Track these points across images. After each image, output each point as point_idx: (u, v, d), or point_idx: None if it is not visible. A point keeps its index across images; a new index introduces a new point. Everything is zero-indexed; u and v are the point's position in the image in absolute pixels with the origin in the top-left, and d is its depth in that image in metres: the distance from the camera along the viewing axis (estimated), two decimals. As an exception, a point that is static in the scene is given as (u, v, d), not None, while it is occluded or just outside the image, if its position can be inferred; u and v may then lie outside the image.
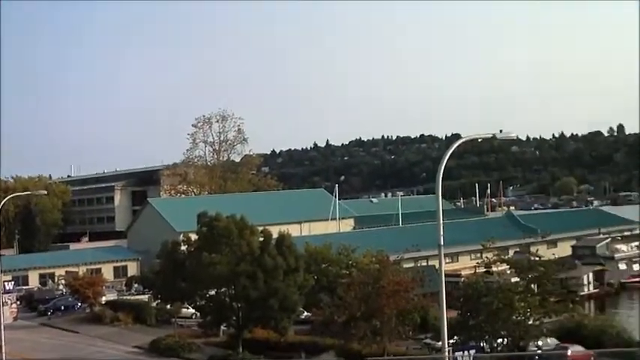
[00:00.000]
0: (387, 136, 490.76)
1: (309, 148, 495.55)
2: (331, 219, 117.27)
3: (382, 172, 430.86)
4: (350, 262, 65.55)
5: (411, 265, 69.43)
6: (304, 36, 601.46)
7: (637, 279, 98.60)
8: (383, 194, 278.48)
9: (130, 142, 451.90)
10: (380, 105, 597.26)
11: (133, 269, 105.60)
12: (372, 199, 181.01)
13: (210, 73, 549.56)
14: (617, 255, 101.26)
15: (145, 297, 77.94)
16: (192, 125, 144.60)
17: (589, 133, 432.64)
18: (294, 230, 78.92)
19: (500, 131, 25.21)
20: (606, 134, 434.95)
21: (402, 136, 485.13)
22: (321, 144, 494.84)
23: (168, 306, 66.54)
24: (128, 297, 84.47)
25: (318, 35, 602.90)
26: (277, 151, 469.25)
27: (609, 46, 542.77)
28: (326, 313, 50.45)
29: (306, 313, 62.60)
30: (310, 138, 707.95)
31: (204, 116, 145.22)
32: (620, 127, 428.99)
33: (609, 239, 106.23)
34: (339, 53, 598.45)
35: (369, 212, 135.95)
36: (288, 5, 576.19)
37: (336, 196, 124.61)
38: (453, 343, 43.68)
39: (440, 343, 28.25)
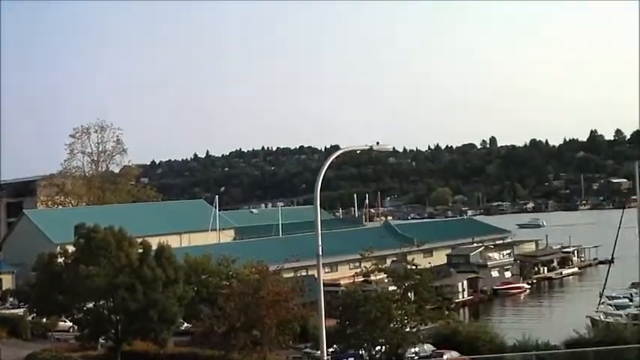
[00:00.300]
0: (267, 147, 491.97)
1: (189, 159, 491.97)
2: (211, 230, 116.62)
3: (262, 183, 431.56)
4: (230, 273, 65.39)
5: (291, 275, 69.72)
6: (183, 47, 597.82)
7: (509, 286, 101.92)
8: (263, 205, 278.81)
9: (4, 153, 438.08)
10: (260, 116, 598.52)
11: (7, 282, 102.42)
12: (253, 210, 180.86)
13: (89, 83, 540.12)
14: (489, 263, 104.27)
15: (20, 311, 75.81)
16: (70, 135, 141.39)
17: (463, 145, 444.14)
18: (173, 241, 78.20)
19: (378, 143, 25.81)
20: (479, 147, 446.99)
21: (282, 147, 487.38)
22: (202, 155, 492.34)
23: (45, 319, 64.98)
24: (3, 311, 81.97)
25: (196, 46, 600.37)
26: (157, 162, 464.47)
27: (482, 58, 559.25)
28: (206, 324, 50.25)
29: (185, 325, 62.18)
30: (190, 149, 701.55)
31: (82, 126, 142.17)
32: (493, 139, 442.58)
33: (482, 248, 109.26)
34: (220, 64, 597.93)
35: (249, 223, 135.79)
36: (158, 13, 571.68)
37: (216, 207, 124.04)
38: (332, 351, 44.34)
39: (319, 351, 28.69)
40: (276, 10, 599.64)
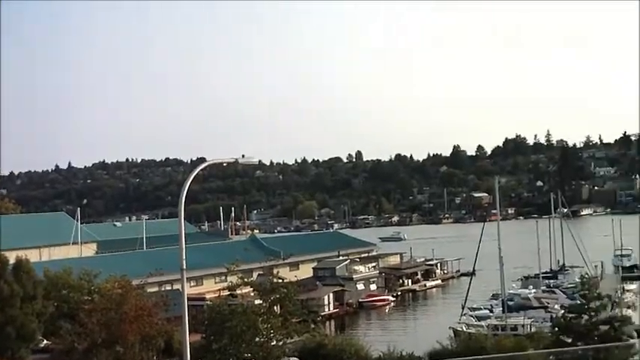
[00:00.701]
0: (132, 159, 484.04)
1: (49, 170, 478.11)
2: (73, 243, 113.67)
3: (127, 195, 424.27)
4: (92, 288, 63.60)
5: (156, 289, 68.53)
6: (42, 53, 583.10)
7: (374, 298, 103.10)
8: (127, 218, 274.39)
9: None
10: (125, 128, 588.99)
11: None
12: (116, 223, 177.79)
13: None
14: (355, 276, 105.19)
15: None
16: None
17: (330, 158, 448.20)
18: (32, 256, 75.72)
19: (243, 156, 25.49)
20: (345, 160, 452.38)
21: (147, 159, 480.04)
22: (63, 166, 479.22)
23: None
24: None
25: (62, 59, 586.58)
26: (16, 173, 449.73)
27: (347, 81, 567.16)
28: (66, 340, 48.54)
29: (45, 342, 60.14)
30: (51, 160, 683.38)
31: None
32: (359, 153, 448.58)
33: (348, 261, 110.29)
34: (84, 75, 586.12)
35: (112, 236, 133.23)
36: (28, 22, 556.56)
37: (77, 220, 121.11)
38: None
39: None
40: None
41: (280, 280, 47.85)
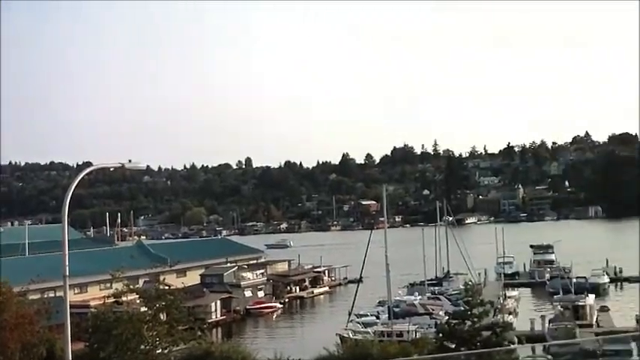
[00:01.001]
0: (15, 162, 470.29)
1: None
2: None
3: (9, 199, 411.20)
4: (-30, 295, 61.64)
5: (38, 296, 66.82)
6: None
7: (261, 305, 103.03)
8: (9, 223, 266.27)
9: None
10: (7, 130, 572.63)
11: None
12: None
13: None
14: (243, 283, 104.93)
15: None
16: None
17: (219, 165, 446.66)
18: None
19: (130, 161, 25.09)
20: (235, 167, 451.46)
21: (30, 162, 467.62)
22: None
23: None
24: None
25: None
26: None
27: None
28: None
29: None
30: None
31: None
32: (248, 160, 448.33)
33: (236, 267, 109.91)
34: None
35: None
36: None
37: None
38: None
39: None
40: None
41: (167, 287, 47.34)
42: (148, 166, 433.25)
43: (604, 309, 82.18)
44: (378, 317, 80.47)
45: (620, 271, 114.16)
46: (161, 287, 47.19)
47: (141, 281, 77.89)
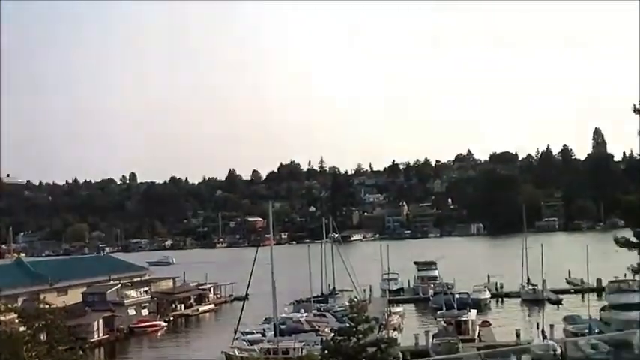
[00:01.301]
0: None
1: None
2: None
3: None
4: None
5: None
6: None
7: (145, 324, 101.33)
8: None
9: None
10: None
11: None
12: None
13: None
14: (126, 301, 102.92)
15: None
16: None
17: (102, 180, 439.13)
18: None
19: (8, 175, 24.20)
20: (119, 182, 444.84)
21: None
22: None
23: None
24: None
25: None
26: None
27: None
28: None
29: None
30: None
31: None
32: (133, 175, 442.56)
33: (119, 285, 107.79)
34: None
35: None
36: None
37: None
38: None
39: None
40: None
41: (47, 306, 46.02)
42: (28, 181, 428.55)
43: (486, 324, 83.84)
44: (263, 334, 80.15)
45: (501, 287, 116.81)
46: (41, 306, 45.87)
47: (20, 300, 75.73)
